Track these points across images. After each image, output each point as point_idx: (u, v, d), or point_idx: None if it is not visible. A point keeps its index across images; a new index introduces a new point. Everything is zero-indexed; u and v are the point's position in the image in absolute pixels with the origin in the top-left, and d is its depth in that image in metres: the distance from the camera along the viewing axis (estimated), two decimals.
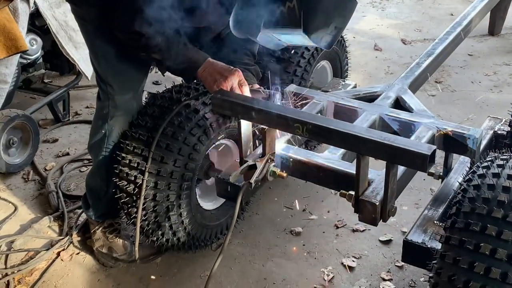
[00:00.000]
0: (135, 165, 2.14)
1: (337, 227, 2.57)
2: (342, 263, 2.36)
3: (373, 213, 1.85)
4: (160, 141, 2.11)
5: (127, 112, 2.23)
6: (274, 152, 2.04)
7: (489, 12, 4.32)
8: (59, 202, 2.73)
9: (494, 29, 4.44)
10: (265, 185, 2.62)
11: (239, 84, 2.02)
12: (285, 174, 2.04)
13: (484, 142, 2.25)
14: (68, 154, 3.16)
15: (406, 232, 2.47)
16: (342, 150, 2.10)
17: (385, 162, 1.77)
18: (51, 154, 3.19)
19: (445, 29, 3.05)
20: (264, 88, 2.18)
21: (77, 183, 2.92)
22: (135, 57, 2.09)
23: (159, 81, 3.55)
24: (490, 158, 1.77)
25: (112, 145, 2.23)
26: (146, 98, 2.82)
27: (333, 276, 2.30)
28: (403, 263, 2.33)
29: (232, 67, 2.04)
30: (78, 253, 2.47)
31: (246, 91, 2.03)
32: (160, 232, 2.22)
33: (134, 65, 2.17)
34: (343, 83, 2.88)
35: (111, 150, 2.23)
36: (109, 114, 2.21)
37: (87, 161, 3.06)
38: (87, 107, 3.65)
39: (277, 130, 2.06)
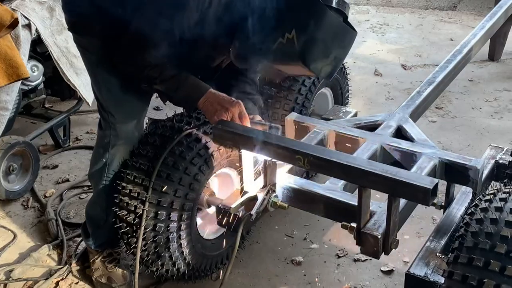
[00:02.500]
0: (136, 195, 2.13)
1: (339, 257, 2.55)
2: None
3: (375, 246, 1.83)
4: (161, 171, 2.10)
5: (128, 141, 2.22)
6: (275, 183, 2.03)
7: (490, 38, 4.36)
8: (59, 230, 2.71)
9: (494, 55, 4.46)
10: (263, 216, 2.61)
11: (239, 116, 2.01)
12: (286, 205, 2.03)
13: (485, 172, 2.24)
14: (68, 180, 3.15)
15: (407, 262, 2.47)
16: (343, 181, 2.09)
17: (387, 194, 1.77)
18: (51, 180, 3.18)
19: (446, 56, 3.06)
20: (265, 120, 2.18)
21: (76, 210, 2.90)
22: (137, 87, 2.10)
23: (160, 107, 3.54)
24: (493, 191, 1.77)
25: (113, 174, 2.23)
26: (146, 124, 2.82)
27: None
28: None
29: (233, 99, 2.05)
30: (77, 282, 2.45)
31: (247, 123, 2.03)
32: (160, 263, 2.19)
33: (136, 95, 2.17)
34: (344, 110, 2.88)
35: (112, 179, 2.23)
36: (110, 143, 2.20)
37: (87, 188, 3.05)
38: (88, 132, 3.64)
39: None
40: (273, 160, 1.96)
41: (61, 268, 2.49)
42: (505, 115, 3.66)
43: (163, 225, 2.11)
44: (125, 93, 2.15)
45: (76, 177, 3.18)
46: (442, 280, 1.69)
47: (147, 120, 3.51)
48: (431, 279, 1.81)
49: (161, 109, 3.54)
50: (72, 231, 2.73)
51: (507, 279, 1.51)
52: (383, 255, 2.47)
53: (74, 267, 2.49)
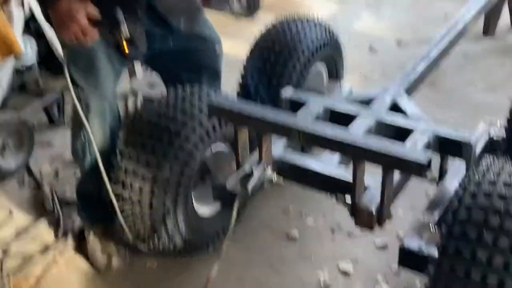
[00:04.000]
0: (131, 171, 2.13)
1: (333, 231, 2.57)
2: (339, 268, 2.37)
3: (370, 219, 1.86)
4: (157, 147, 2.10)
5: (100, 115, 2.20)
6: (271, 158, 2.05)
7: (484, 13, 4.34)
8: (55, 206, 2.72)
9: (488, 30, 4.44)
10: (259, 191, 2.63)
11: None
12: (281, 180, 2.05)
13: (479, 146, 2.26)
14: (63, 157, 3.15)
15: (401, 235, 2.49)
16: (338, 154, 2.11)
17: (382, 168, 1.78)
18: (46, 157, 3.18)
19: (440, 32, 3.05)
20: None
21: (72, 186, 2.90)
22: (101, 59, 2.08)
23: (154, 83, 3.53)
24: (486, 164, 1.78)
25: (94, 150, 2.19)
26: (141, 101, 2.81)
27: (330, 281, 2.31)
28: (398, 267, 2.34)
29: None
30: (74, 258, 2.47)
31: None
32: (156, 238, 2.21)
33: (103, 67, 2.15)
34: (339, 86, 2.88)
35: (94, 155, 2.20)
36: (82, 118, 2.16)
37: None
38: None
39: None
40: None
41: (58, 243, 2.50)
42: (500, 91, 3.66)
43: (159, 200, 2.12)
44: (91, 65, 2.13)
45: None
46: (435, 252, 1.72)
47: (142, 98, 3.50)
48: (425, 252, 1.84)
49: (155, 86, 3.54)
50: (68, 207, 2.74)
51: (500, 251, 1.53)
52: (376, 229, 2.52)
53: (71, 242, 2.51)
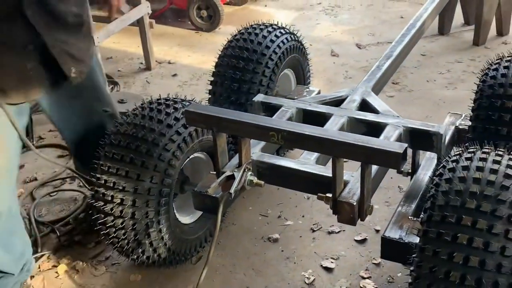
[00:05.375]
0: (111, 184, 2.14)
1: (313, 231, 2.62)
2: (322, 265, 2.41)
3: (351, 213, 1.91)
4: (135, 158, 2.12)
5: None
6: (251, 161, 2.08)
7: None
8: (32, 228, 2.68)
9: (443, 29, 4.61)
10: (239, 195, 2.66)
11: None
12: (262, 182, 2.08)
13: (447, 138, 2.35)
14: (36, 179, 3.11)
15: (379, 230, 2.56)
16: (316, 154, 2.16)
17: (360, 162, 1.84)
18: (18, 180, 3.12)
19: (398, 33, 3.16)
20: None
21: (48, 208, 2.88)
22: None
23: (124, 99, 3.54)
24: (458, 152, 1.86)
25: None
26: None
27: (314, 279, 2.35)
28: (380, 260, 2.40)
29: None
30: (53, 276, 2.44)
31: None
32: (140, 250, 2.22)
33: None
34: (307, 89, 2.95)
35: None
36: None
37: (60, 182, 3.05)
38: (51, 130, 3.59)
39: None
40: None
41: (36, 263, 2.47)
42: (458, 85, 3.80)
43: (141, 212, 2.13)
44: None
45: (44, 175, 3.15)
46: (416, 240, 1.78)
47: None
48: (406, 241, 1.90)
49: (125, 102, 3.54)
50: (46, 229, 2.71)
51: (479, 232, 1.60)
52: (355, 226, 2.58)
53: (47, 263, 2.49)
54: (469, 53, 4.29)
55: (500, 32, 4.51)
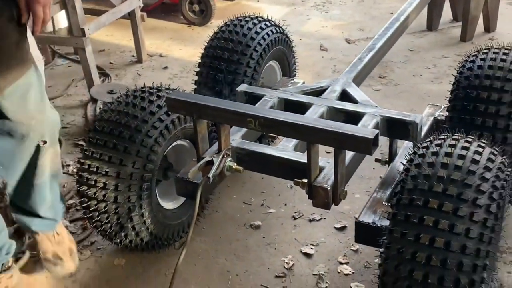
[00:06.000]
0: (95, 169, 2.19)
1: (295, 218, 2.68)
2: (301, 251, 2.47)
3: (326, 198, 1.97)
4: (118, 144, 2.17)
5: None
6: (230, 147, 2.14)
7: (427, 9, 4.56)
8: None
9: (432, 25, 4.67)
10: (223, 184, 2.72)
11: None
12: (241, 168, 2.14)
13: (425, 128, 2.42)
14: None
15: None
16: (294, 142, 2.22)
17: (334, 148, 1.90)
18: None
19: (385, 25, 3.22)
20: None
21: None
22: None
23: (113, 90, 3.59)
24: (429, 139, 1.92)
25: None
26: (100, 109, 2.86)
27: (293, 264, 2.41)
28: (358, 247, 2.46)
29: None
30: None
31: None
32: (123, 234, 2.27)
33: None
34: (292, 81, 3.01)
35: None
36: None
37: None
38: None
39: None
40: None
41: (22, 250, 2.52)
42: (444, 80, 3.86)
43: (124, 196, 2.18)
44: None
45: None
46: (388, 224, 1.84)
47: (101, 105, 3.55)
48: (379, 225, 1.96)
49: (115, 93, 3.59)
50: None
51: (445, 215, 1.66)
52: (336, 213, 2.64)
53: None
54: (456, 48, 4.35)
55: (487, 28, 4.56)
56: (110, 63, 4.46)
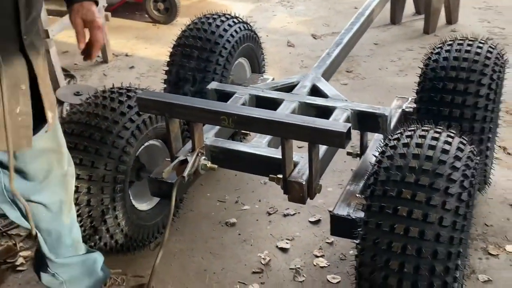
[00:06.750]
0: None
1: (269, 214, 2.69)
2: (277, 246, 2.49)
3: (301, 192, 1.98)
4: (89, 146, 2.14)
5: None
6: (204, 146, 2.14)
7: (390, 3, 4.63)
8: None
9: (395, 18, 4.74)
10: (197, 182, 2.71)
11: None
12: (216, 166, 2.14)
13: (394, 120, 2.46)
14: None
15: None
16: (267, 138, 2.23)
17: (307, 143, 1.91)
18: None
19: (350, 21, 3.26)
20: None
21: None
22: None
23: (80, 91, 3.54)
24: (400, 131, 1.96)
25: None
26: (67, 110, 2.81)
27: (270, 259, 2.42)
28: (333, 240, 2.49)
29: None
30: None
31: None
32: (97, 237, 2.25)
33: None
34: (262, 78, 3.01)
35: None
36: None
37: None
38: None
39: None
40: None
41: None
42: (409, 72, 3.93)
43: (97, 199, 2.15)
44: None
45: None
46: (363, 215, 1.86)
47: (68, 106, 3.50)
48: (353, 217, 1.99)
49: (81, 94, 3.54)
50: (4, 220, 2.71)
51: (418, 204, 1.70)
52: (310, 207, 2.66)
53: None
54: (419, 41, 4.43)
55: (449, 20, 4.66)
56: (75, 64, 4.39)
